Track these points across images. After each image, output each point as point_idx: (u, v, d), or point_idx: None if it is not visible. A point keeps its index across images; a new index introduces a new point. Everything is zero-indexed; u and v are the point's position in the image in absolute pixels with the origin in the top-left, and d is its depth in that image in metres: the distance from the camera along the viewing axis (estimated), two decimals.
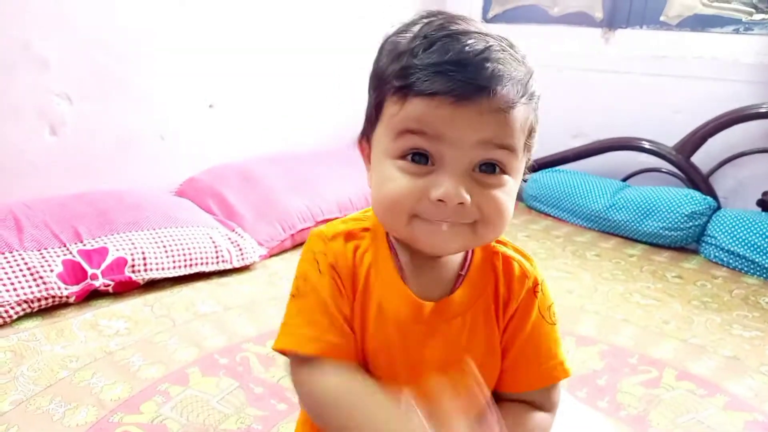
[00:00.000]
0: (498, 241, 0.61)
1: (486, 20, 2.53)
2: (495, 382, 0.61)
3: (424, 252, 0.55)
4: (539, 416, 0.60)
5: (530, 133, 0.52)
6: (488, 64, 0.47)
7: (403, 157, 0.50)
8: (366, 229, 0.60)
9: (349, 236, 0.59)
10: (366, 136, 0.57)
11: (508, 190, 0.51)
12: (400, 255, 0.58)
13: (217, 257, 1.48)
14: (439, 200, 0.49)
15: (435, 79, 0.47)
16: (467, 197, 0.49)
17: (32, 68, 1.47)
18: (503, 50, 0.49)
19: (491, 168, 0.50)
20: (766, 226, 1.71)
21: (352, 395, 0.53)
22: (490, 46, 0.48)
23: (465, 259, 0.59)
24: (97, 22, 1.56)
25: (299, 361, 0.56)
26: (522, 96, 0.49)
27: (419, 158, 0.50)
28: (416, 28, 0.51)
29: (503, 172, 0.51)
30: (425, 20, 0.52)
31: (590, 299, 1.49)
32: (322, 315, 0.55)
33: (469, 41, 0.48)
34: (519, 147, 0.51)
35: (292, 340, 0.56)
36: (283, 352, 0.57)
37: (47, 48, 1.48)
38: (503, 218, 0.52)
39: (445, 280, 0.58)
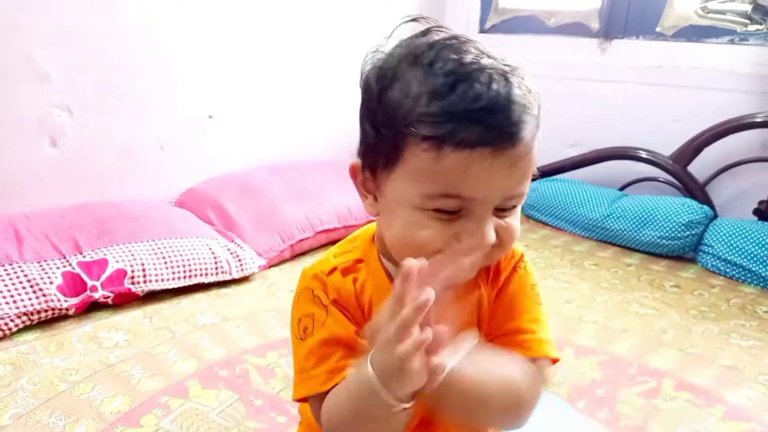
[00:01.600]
0: None
1: (483, 30, 2.55)
2: None
3: None
4: (531, 366, 0.58)
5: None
6: (516, 107, 0.48)
7: (434, 210, 0.50)
8: (359, 260, 0.60)
9: (345, 270, 0.59)
10: (370, 167, 0.55)
11: (518, 214, 0.54)
12: (396, 277, 0.58)
13: (217, 268, 1.49)
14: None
15: (472, 129, 0.46)
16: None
17: (34, 81, 1.47)
18: (520, 86, 0.49)
19: (510, 207, 0.53)
20: (762, 235, 1.72)
21: (337, 397, 0.53)
22: (512, 84, 0.48)
23: None
24: (97, 35, 1.57)
25: (318, 399, 0.55)
26: (537, 130, 0.51)
27: (446, 210, 0.51)
28: (422, 55, 0.49)
29: (515, 206, 0.54)
30: (423, 40, 0.50)
31: (589, 309, 1.50)
32: (335, 347, 0.55)
33: (493, 83, 0.47)
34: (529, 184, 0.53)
35: (310, 385, 0.55)
36: (304, 400, 0.57)
37: (49, 61, 1.49)
38: (515, 240, 0.55)
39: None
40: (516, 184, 0.51)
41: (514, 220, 0.54)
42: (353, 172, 0.57)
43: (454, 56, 0.49)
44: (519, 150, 0.48)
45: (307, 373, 0.56)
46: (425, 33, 0.52)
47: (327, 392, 0.54)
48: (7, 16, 1.40)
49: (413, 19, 0.53)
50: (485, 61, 0.49)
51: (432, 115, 0.47)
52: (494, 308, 0.60)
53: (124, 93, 1.65)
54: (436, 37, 0.51)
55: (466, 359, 0.48)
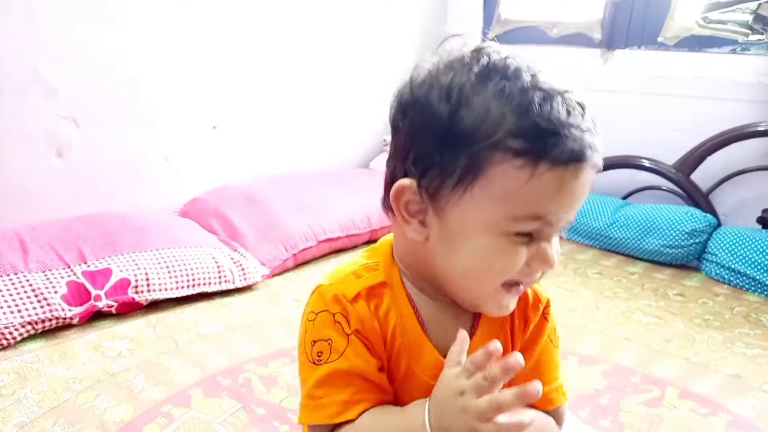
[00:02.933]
0: None
1: (486, 41, 2.56)
2: None
3: (463, 306, 0.56)
4: (552, 420, 0.61)
5: None
6: (588, 124, 0.49)
7: (509, 234, 0.49)
8: (383, 284, 0.56)
9: (370, 296, 0.55)
10: (428, 190, 0.50)
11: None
12: (420, 309, 0.56)
13: (220, 277, 1.49)
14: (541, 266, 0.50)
15: (565, 144, 0.46)
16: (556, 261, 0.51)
17: (41, 93, 1.50)
18: (582, 106, 0.50)
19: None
20: (766, 243, 1.71)
21: (379, 421, 0.52)
22: (580, 105, 0.49)
23: None
24: (103, 48, 1.59)
25: (328, 428, 0.53)
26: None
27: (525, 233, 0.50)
28: (494, 75, 0.49)
29: None
30: (485, 59, 0.50)
31: (592, 318, 1.49)
32: (353, 379, 0.53)
33: (565, 102, 0.48)
34: None
35: (321, 414, 0.52)
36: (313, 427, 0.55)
37: (55, 73, 1.51)
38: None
39: (465, 321, 0.58)
40: (580, 205, 0.50)
41: (557, 242, 0.52)
42: (399, 193, 0.52)
43: (521, 75, 0.48)
44: (591, 169, 0.48)
45: (319, 401, 0.53)
46: (478, 52, 0.51)
47: (337, 424, 0.52)
48: (14, 29, 1.42)
49: (454, 35, 0.53)
50: (543, 78, 0.49)
51: (525, 129, 0.46)
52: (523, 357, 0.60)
53: (129, 105, 1.67)
54: (495, 57, 0.50)
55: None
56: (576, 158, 0.46)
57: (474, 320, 0.58)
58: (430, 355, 0.55)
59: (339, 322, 0.53)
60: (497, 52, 0.50)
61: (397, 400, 0.56)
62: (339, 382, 0.52)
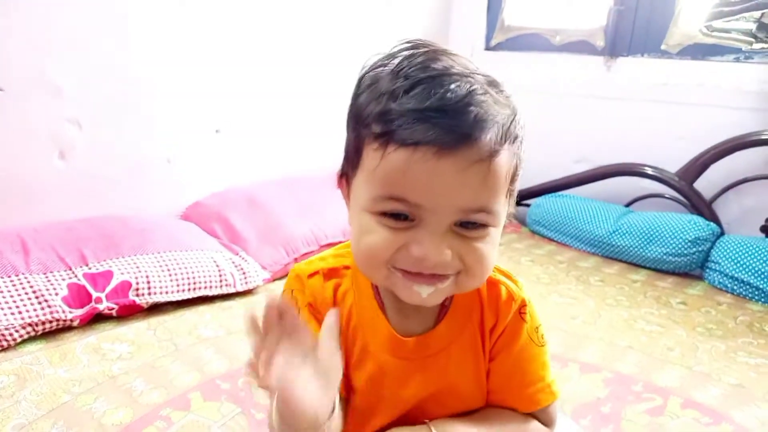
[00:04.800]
0: None
1: (489, 48, 2.57)
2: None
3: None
4: (534, 424, 0.60)
5: (513, 178, 0.51)
6: (471, 108, 0.45)
7: (382, 214, 0.49)
8: (347, 267, 0.59)
9: (329, 274, 0.59)
10: (346, 175, 0.54)
11: (490, 240, 0.50)
12: (381, 291, 0.58)
13: (221, 281, 1.49)
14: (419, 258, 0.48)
15: (416, 127, 0.45)
16: (448, 255, 0.48)
17: (45, 95, 1.50)
18: (486, 93, 0.47)
19: (472, 224, 0.49)
20: None
21: None
22: (473, 89, 0.46)
23: None
24: (108, 50, 1.59)
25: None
26: (504, 141, 0.47)
27: (399, 215, 0.48)
28: (396, 63, 0.49)
29: (484, 225, 0.49)
30: (406, 53, 0.50)
31: (594, 325, 1.48)
32: None
33: (452, 84, 0.46)
34: (500, 204, 0.49)
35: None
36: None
37: (61, 74, 1.51)
38: (485, 268, 0.51)
39: (429, 313, 0.57)
40: (473, 195, 0.47)
41: (485, 244, 0.49)
42: (339, 183, 0.56)
43: (425, 63, 0.48)
44: (470, 154, 0.45)
45: None
46: (410, 43, 0.51)
47: None
48: (21, 29, 1.43)
49: (410, 43, 0.51)
50: (457, 69, 0.47)
51: (383, 112, 0.47)
52: (501, 360, 0.59)
53: (133, 107, 1.68)
54: (418, 49, 0.50)
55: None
56: (426, 141, 0.44)
57: (439, 313, 0.58)
58: (385, 330, 0.56)
59: (295, 299, 0.57)
60: (432, 45, 0.50)
61: (349, 382, 0.57)
62: None
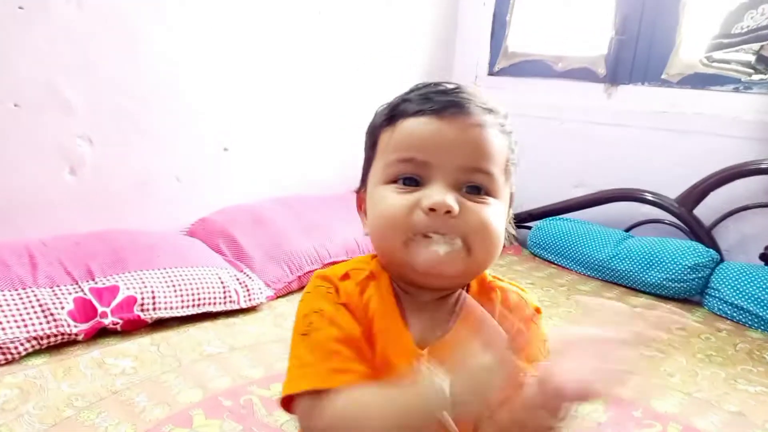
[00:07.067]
0: (494, 277, 0.64)
1: (492, 73, 2.62)
2: None
3: (425, 285, 0.57)
4: None
5: (508, 161, 0.59)
6: (461, 93, 0.57)
7: (394, 181, 0.57)
8: (370, 276, 0.61)
9: (355, 277, 0.60)
10: (363, 186, 0.63)
11: (493, 209, 0.56)
12: (403, 299, 0.60)
13: (225, 297, 1.50)
14: (431, 209, 0.53)
15: (420, 103, 0.56)
16: (455, 205, 0.53)
17: (57, 111, 1.53)
18: (474, 92, 0.58)
19: (476, 189, 0.56)
20: None
21: (364, 401, 0.49)
22: (465, 86, 0.58)
23: (461, 295, 0.61)
24: (119, 67, 1.63)
25: (316, 398, 0.51)
26: (491, 116, 0.57)
27: (409, 181, 0.56)
28: (415, 87, 0.61)
29: (487, 194, 0.56)
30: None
31: None
32: (344, 346, 0.53)
33: (447, 84, 0.59)
34: (497, 172, 0.57)
35: (313, 380, 0.51)
36: (294, 397, 0.53)
37: (72, 91, 1.54)
38: (491, 233, 0.55)
39: (446, 319, 0.59)
40: (471, 154, 0.55)
41: (489, 209, 0.56)
42: (358, 199, 0.65)
43: (436, 84, 0.59)
44: (466, 119, 0.55)
45: (305, 370, 0.53)
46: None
47: (324, 391, 0.51)
48: (34, 46, 1.46)
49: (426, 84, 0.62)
50: (447, 86, 0.59)
51: (394, 106, 0.59)
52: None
53: (143, 125, 1.71)
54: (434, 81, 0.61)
55: None
56: (430, 111, 0.55)
57: (453, 315, 0.60)
58: (406, 342, 0.57)
59: (330, 293, 0.58)
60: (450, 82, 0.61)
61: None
62: (331, 348, 0.53)
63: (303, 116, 2.13)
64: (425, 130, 0.55)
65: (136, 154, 1.71)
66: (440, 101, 0.56)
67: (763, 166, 1.87)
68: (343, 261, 0.67)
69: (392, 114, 0.59)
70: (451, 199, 0.53)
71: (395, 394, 0.48)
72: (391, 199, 0.55)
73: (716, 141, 2.04)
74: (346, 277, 0.60)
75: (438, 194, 0.53)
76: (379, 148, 0.60)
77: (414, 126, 0.56)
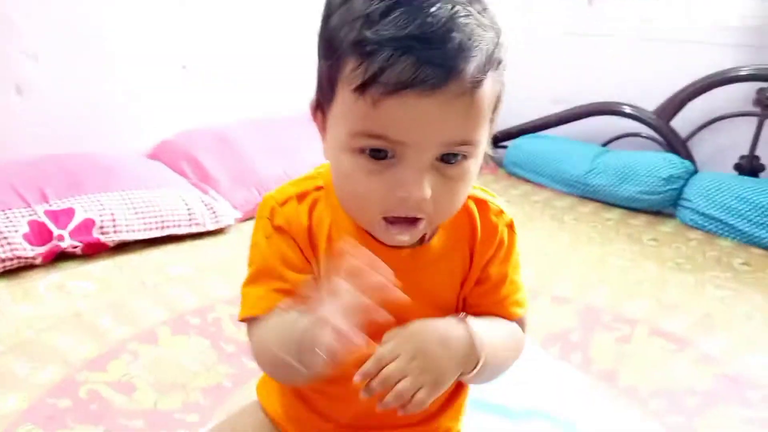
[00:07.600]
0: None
1: None
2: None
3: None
4: (518, 328, 0.61)
5: (496, 106, 0.49)
6: (454, 35, 0.42)
7: (361, 151, 0.46)
8: (319, 188, 0.56)
9: (301, 197, 0.56)
10: (320, 107, 0.51)
11: (468, 177, 0.49)
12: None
13: (190, 220, 1.46)
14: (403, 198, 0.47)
15: (396, 66, 0.42)
16: (428, 193, 0.46)
17: None
18: (469, 14, 0.43)
19: (453, 156, 0.47)
20: (740, 189, 1.72)
21: (270, 326, 0.52)
22: (455, 11, 0.43)
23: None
24: None
25: (251, 325, 0.55)
26: (488, 69, 0.45)
27: (377, 153, 0.46)
28: None
29: (465, 157, 0.48)
30: None
31: (567, 261, 1.49)
32: (269, 277, 0.54)
33: (432, 8, 0.42)
34: (482, 133, 0.47)
35: (245, 308, 0.55)
36: (245, 321, 0.56)
37: (11, 5, 1.41)
38: (458, 207, 0.51)
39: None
40: (455, 129, 0.45)
41: (462, 184, 0.49)
42: (312, 114, 0.53)
43: (419, 11, 0.43)
44: (454, 87, 0.43)
45: (245, 298, 0.56)
46: None
47: (255, 318, 0.53)
48: None
49: None
50: (459, 27, 0.43)
51: (359, 42, 0.43)
52: (495, 270, 0.58)
53: (93, 40, 1.59)
54: None
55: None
56: (413, 84, 0.42)
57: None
58: (371, 245, 0.53)
59: (263, 226, 0.56)
60: None
61: None
62: (259, 280, 0.55)
63: (268, 29, 2.00)
64: (402, 111, 0.43)
65: (87, 72, 1.60)
66: (425, 60, 0.42)
67: (742, 73, 1.83)
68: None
69: (359, 67, 0.43)
70: (425, 188, 0.46)
71: (292, 320, 0.48)
72: (361, 183, 0.47)
73: (698, 49, 1.97)
74: (287, 200, 0.56)
75: (413, 182, 0.46)
76: (340, 99, 0.46)
77: (389, 109, 0.43)
